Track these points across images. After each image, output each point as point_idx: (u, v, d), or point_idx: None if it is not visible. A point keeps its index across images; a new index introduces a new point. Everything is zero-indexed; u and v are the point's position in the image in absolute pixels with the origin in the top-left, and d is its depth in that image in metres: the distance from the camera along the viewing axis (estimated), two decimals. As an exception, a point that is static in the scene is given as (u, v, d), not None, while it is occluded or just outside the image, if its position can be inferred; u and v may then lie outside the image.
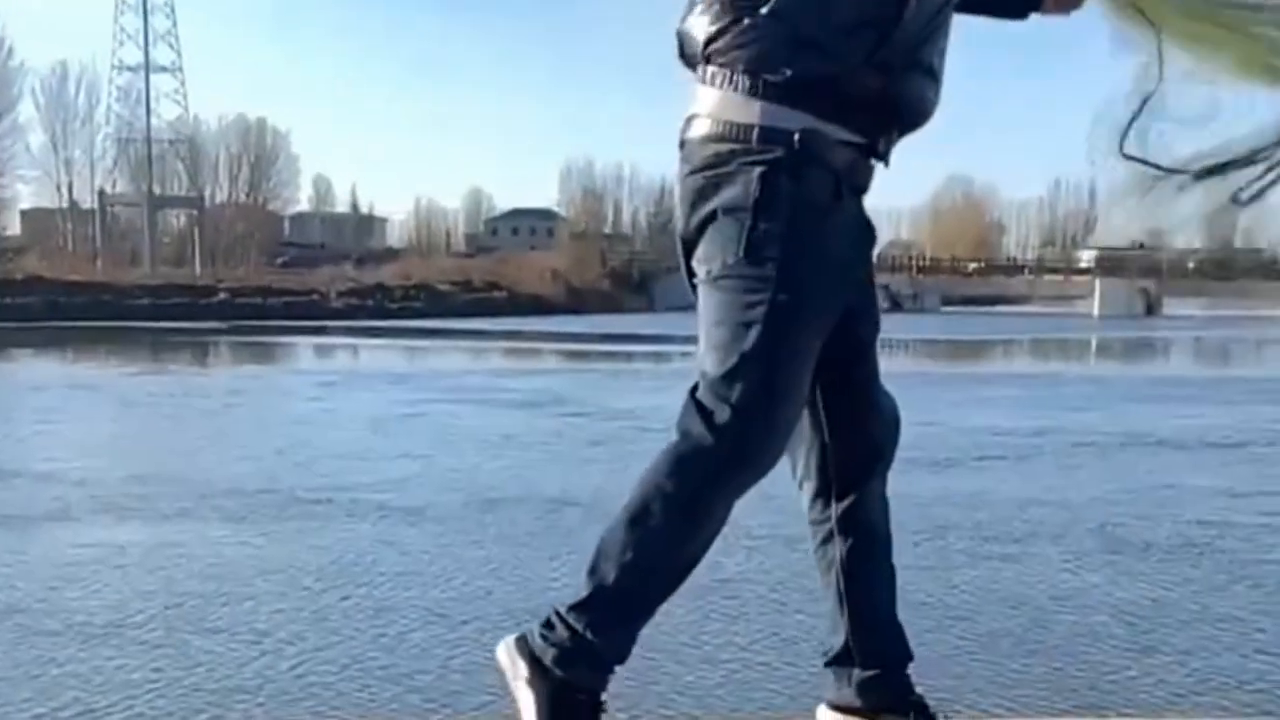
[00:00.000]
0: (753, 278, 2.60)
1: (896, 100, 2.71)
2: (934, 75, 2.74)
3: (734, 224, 2.60)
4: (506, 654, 2.92)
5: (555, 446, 11.14)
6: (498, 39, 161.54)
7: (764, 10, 2.59)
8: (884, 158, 2.80)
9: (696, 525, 2.69)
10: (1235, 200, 2.84)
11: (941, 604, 5.55)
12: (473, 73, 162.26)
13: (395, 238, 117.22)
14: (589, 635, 2.72)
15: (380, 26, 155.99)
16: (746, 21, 2.60)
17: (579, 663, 2.76)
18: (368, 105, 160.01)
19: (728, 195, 2.62)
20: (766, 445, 2.67)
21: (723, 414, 2.60)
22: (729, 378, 2.60)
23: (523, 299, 57.15)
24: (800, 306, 2.60)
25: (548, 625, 2.80)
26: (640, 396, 16.27)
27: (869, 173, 2.78)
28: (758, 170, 2.60)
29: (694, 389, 2.67)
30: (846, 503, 2.90)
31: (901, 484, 8.39)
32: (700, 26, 2.68)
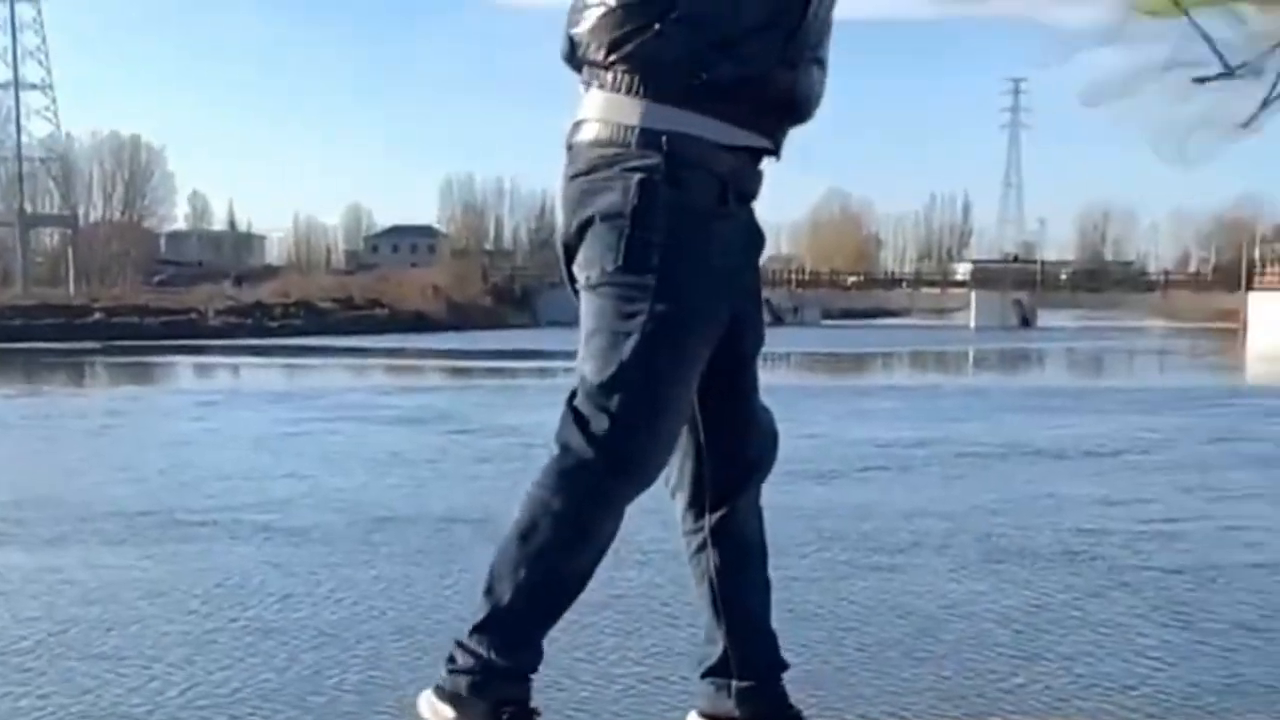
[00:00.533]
0: (631, 286, 2.57)
1: (803, 96, 2.71)
2: (825, 66, 2.73)
3: (613, 231, 2.57)
4: (429, 707, 2.90)
5: (442, 464, 11.09)
6: (374, 54, 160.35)
7: (673, 15, 2.55)
8: (777, 152, 2.79)
9: (586, 538, 2.69)
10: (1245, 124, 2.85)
11: (831, 615, 5.61)
12: (350, 88, 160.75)
13: (274, 255, 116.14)
14: (495, 657, 2.72)
15: (255, 42, 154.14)
16: (658, 26, 2.55)
17: (493, 683, 2.75)
18: (244, 121, 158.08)
19: (607, 201, 2.59)
20: (649, 456, 2.66)
21: (601, 424, 2.58)
22: (607, 387, 2.58)
23: (404, 316, 56.83)
24: (680, 316, 2.59)
25: (452, 660, 2.79)
26: (525, 412, 16.24)
27: (758, 178, 2.76)
28: (636, 177, 2.57)
29: (572, 396, 2.65)
30: (721, 513, 2.90)
31: (787, 496, 8.52)
32: (600, 31, 2.61)
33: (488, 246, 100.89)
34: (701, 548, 2.95)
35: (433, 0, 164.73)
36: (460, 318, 57.79)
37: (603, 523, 2.74)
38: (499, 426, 14.51)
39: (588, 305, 2.68)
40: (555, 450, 2.70)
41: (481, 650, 2.74)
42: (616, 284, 2.62)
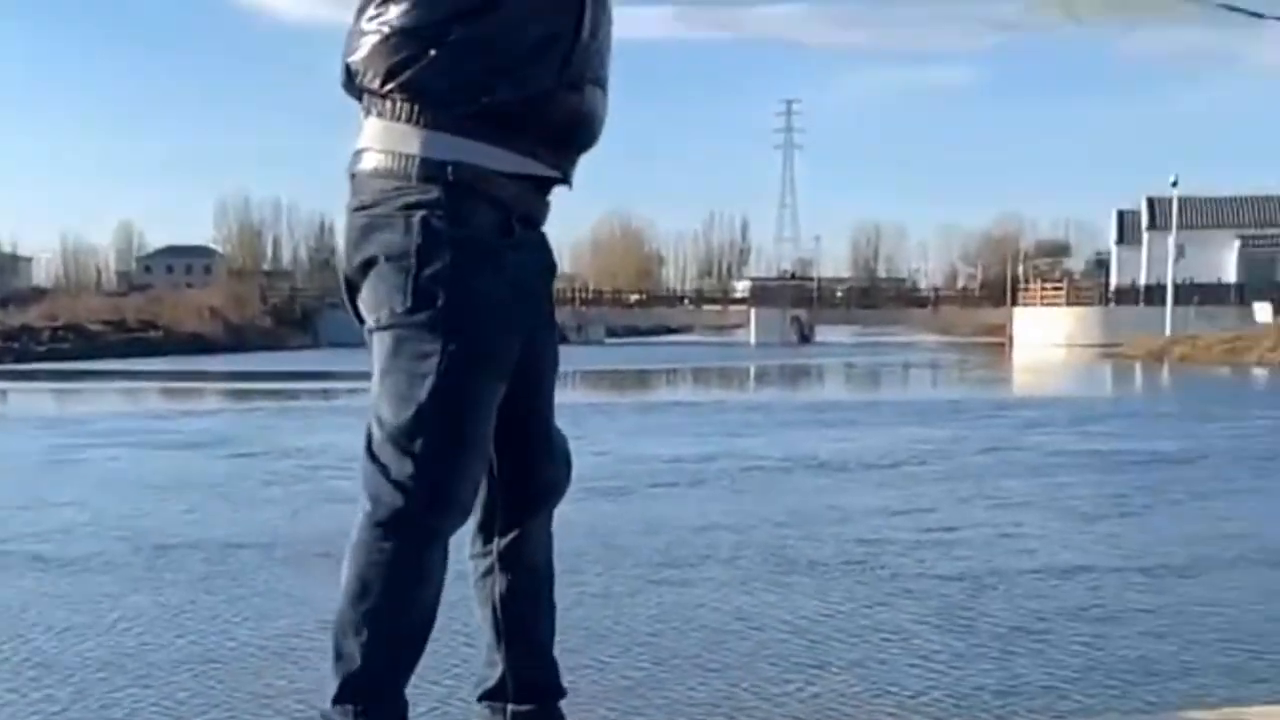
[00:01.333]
0: (423, 327, 2.52)
1: (586, 118, 2.70)
2: (605, 88, 2.73)
3: (398, 272, 2.52)
4: None
5: (225, 488, 10.85)
6: (146, 70, 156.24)
7: (452, 38, 2.50)
8: (568, 180, 2.78)
9: (421, 581, 2.66)
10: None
11: (625, 630, 5.66)
12: (122, 105, 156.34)
13: (42, 277, 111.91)
14: (363, 717, 2.66)
15: (19, 54, 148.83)
16: (434, 53, 2.50)
17: None
18: (6, 137, 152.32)
19: (390, 240, 2.53)
20: (459, 492, 2.64)
21: (407, 468, 2.54)
22: (408, 430, 2.53)
23: (180, 338, 55.34)
24: (474, 353, 2.56)
25: None
26: (309, 434, 16.00)
27: (543, 203, 2.75)
28: (419, 215, 2.51)
29: (370, 441, 2.60)
30: (510, 537, 2.89)
31: (580, 513, 8.54)
32: (377, 59, 2.56)
33: (266, 267, 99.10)
34: (489, 572, 2.94)
35: (211, 18, 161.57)
36: (239, 339, 56.54)
37: (429, 563, 2.70)
38: (283, 449, 14.26)
39: (379, 346, 2.62)
40: (365, 504, 2.65)
41: (348, 718, 2.68)
42: (407, 325, 2.56)
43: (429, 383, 2.56)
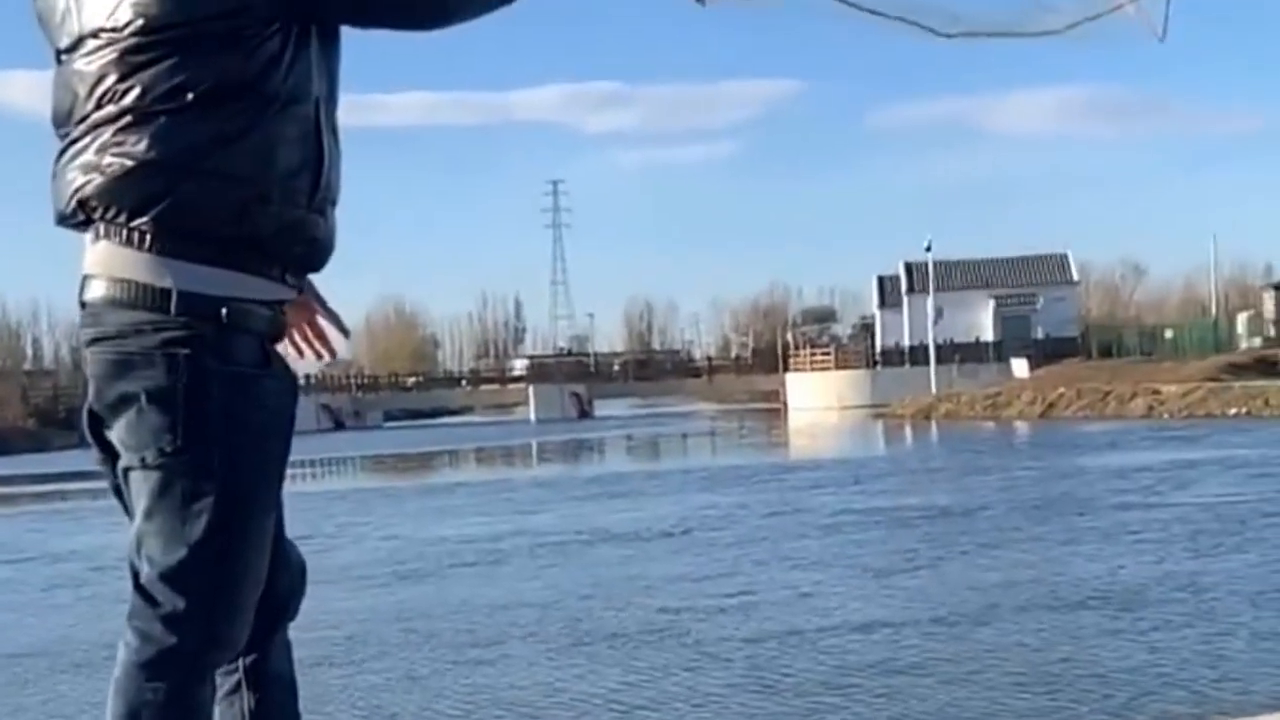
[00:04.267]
0: (194, 465, 2.45)
1: (328, 244, 2.70)
2: (335, 207, 2.73)
3: (164, 412, 2.43)
4: None
5: (4, 597, 10.39)
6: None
7: (204, 168, 2.42)
8: (300, 292, 2.76)
9: (192, 716, 2.59)
10: None
11: (433, 714, 5.61)
12: None
13: None
14: None
15: None
16: (186, 185, 2.42)
17: None
18: None
19: (151, 378, 2.44)
20: (235, 628, 2.58)
21: (179, 605, 2.47)
22: (182, 568, 2.46)
23: (-63, 443, 52.85)
24: (246, 488, 2.51)
25: None
26: (84, 535, 15.47)
27: (283, 321, 2.74)
28: (182, 353, 2.45)
29: (137, 578, 2.53)
30: (254, 655, 2.85)
31: (381, 598, 8.43)
32: (123, 190, 2.44)
33: (28, 367, 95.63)
34: (235, 689, 2.86)
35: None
36: (1, 442, 54.41)
37: (204, 698, 2.63)
38: (58, 552, 13.73)
39: (144, 484, 2.53)
40: (132, 640, 2.55)
41: None
42: (178, 465, 2.48)
43: (203, 521, 2.48)
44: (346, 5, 2.56)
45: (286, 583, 2.79)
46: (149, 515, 2.47)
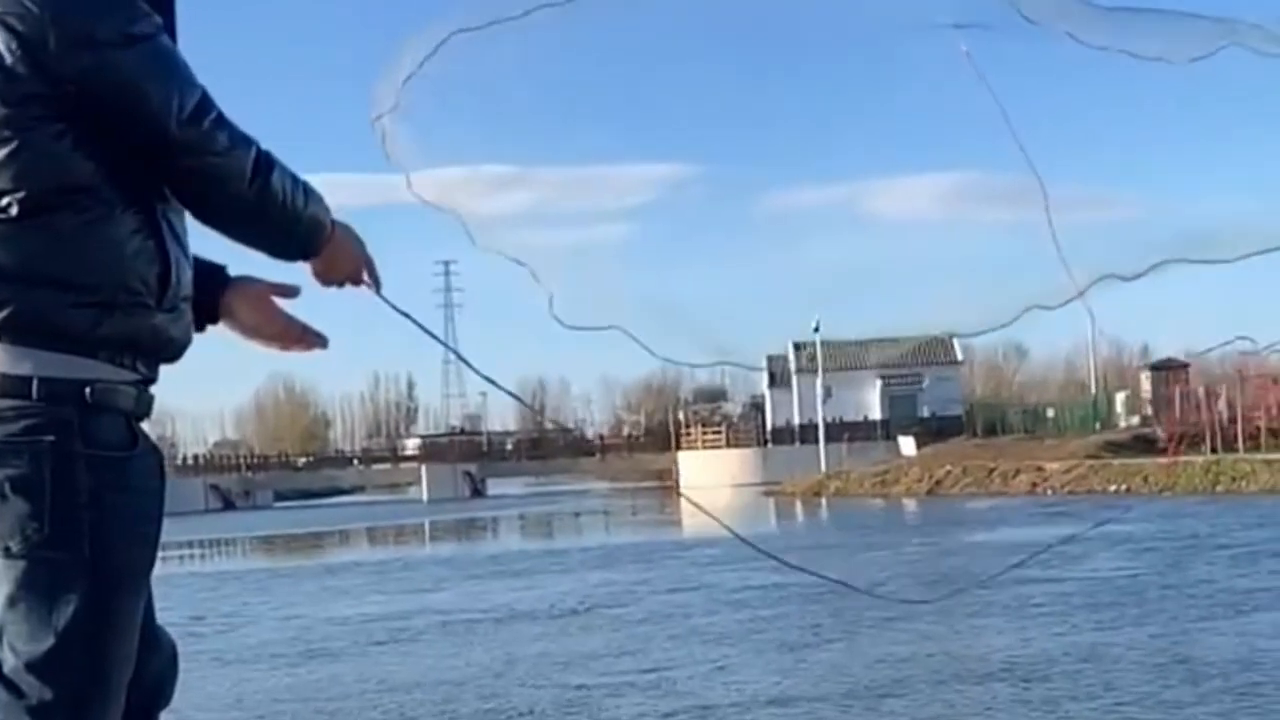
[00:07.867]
0: (61, 551, 2.44)
1: (183, 341, 2.70)
2: (189, 303, 2.74)
3: (29, 499, 2.41)
4: None
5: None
6: None
7: (51, 277, 2.42)
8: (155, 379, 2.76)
9: None
10: None
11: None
12: None
13: None
14: None
15: None
16: (33, 293, 2.42)
17: None
18: None
19: (15, 467, 2.41)
20: (106, 715, 2.57)
21: (47, 695, 2.44)
22: (50, 658, 2.43)
23: None
24: (118, 574, 2.48)
25: None
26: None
27: (151, 399, 2.73)
28: (48, 439, 2.43)
29: (0, 668, 2.50)
30: None
31: (289, 677, 8.30)
32: None
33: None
34: None
35: None
36: None
37: None
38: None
39: (8, 572, 2.48)
40: None
41: None
42: (43, 552, 2.47)
43: (71, 609, 2.44)
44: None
45: (157, 667, 2.73)
46: (13, 603, 2.42)
